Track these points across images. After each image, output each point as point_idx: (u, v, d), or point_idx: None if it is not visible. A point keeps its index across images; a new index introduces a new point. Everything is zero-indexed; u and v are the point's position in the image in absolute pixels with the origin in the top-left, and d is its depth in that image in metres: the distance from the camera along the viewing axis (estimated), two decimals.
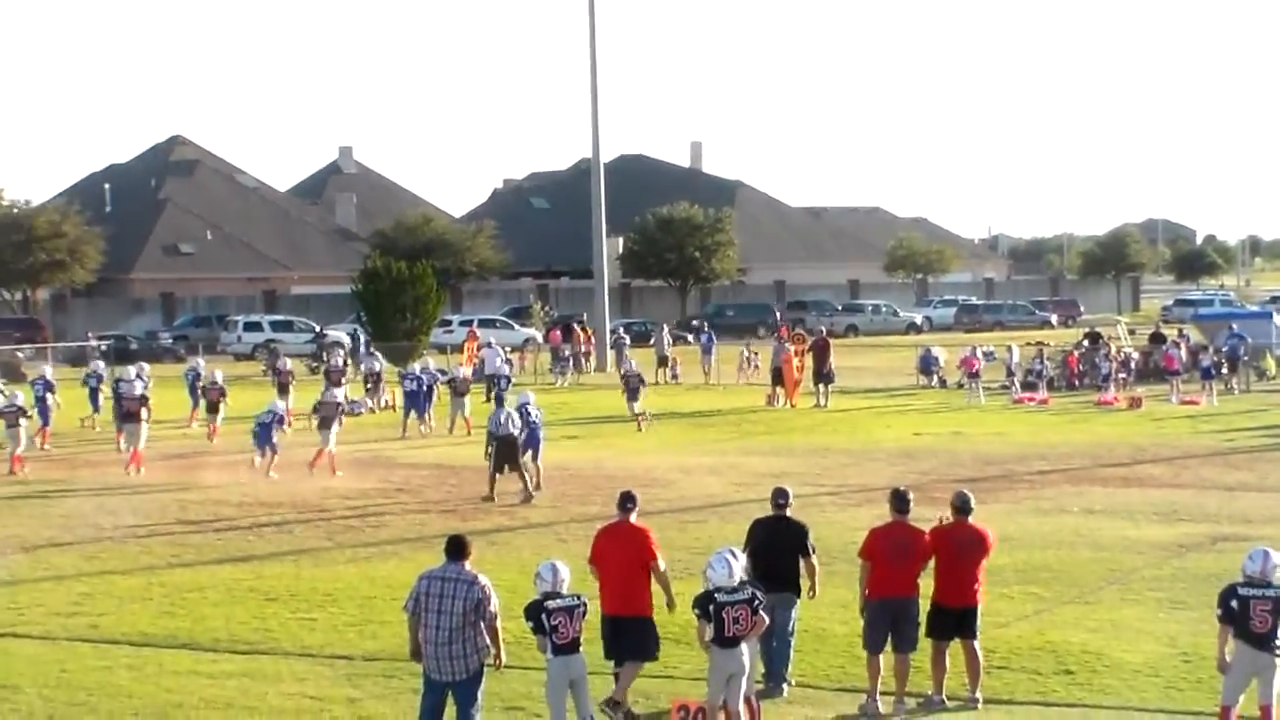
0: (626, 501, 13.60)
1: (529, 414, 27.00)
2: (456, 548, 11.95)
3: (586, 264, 65.57)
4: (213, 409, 35.16)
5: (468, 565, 11.87)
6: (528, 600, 12.16)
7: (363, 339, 53.80)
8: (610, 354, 57.13)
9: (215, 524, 23.56)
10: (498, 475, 25.56)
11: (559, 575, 11.97)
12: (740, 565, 12.38)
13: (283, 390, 38.69)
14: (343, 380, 40.31)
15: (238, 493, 26.61)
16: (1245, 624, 11.90)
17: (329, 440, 28.69)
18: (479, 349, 48.25)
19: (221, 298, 79.65)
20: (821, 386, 42.24)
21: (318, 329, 67.88)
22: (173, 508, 25.06)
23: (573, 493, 26.06)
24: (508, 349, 50.18)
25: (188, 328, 73.03)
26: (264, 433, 28.80)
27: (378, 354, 46.10)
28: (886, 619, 13.42)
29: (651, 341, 57.74)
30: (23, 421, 30.87)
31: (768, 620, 12.40)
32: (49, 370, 38.93)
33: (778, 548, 13.64)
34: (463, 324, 66.46)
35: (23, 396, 32.37)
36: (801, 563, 13.83)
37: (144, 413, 31.15)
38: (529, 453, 26.47)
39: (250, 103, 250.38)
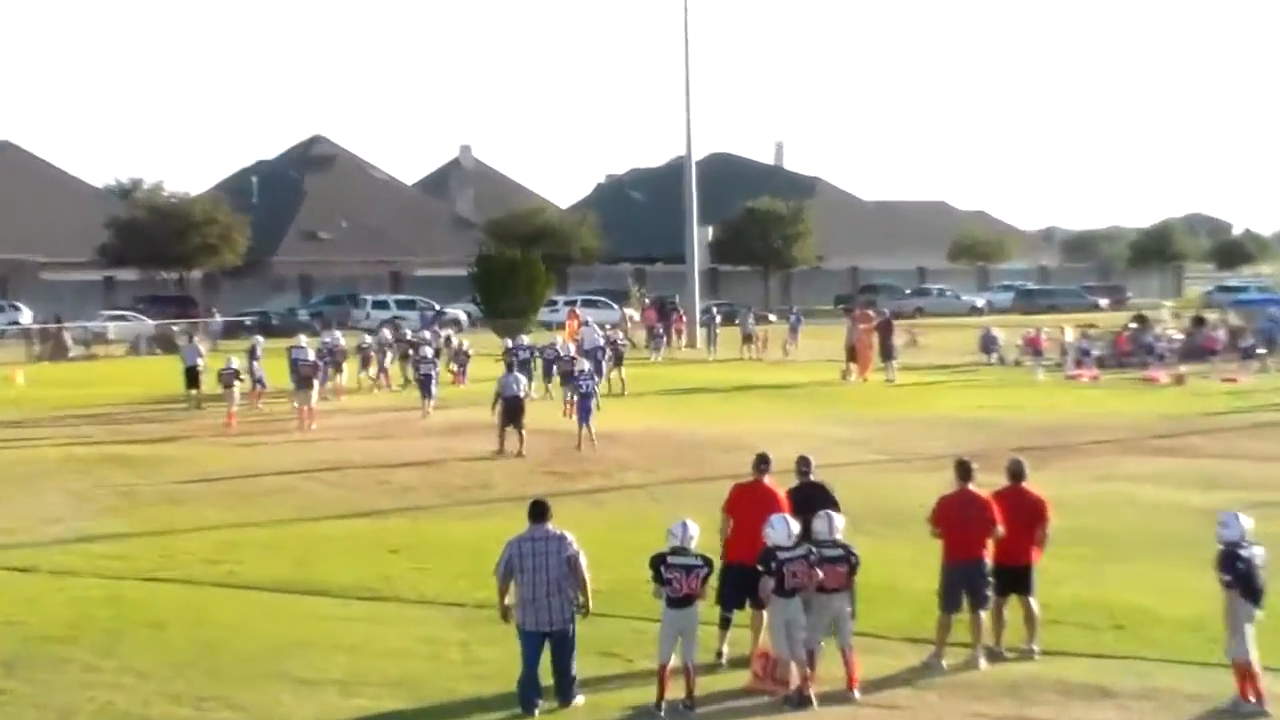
0: (761, 463, 13.67)
1: (581, 379, 27.59)
2: (540, 510, 11.94)
3: (679, 251, 65.33)
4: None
5: (551, 525, 11.81)
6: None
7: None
8: (700, 332, 57.03)
9: (344, 482, 23.64)
10: (506, 430, 25.97)
11: (688, 533, 11.85)
12: (796, 526, 12.23)
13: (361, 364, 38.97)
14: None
15: (364, 452, 26.76)
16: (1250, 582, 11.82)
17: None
18: (579, 327, 48.09)
19: (353, 278, 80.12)
20: (889, 362, 41.93)
21: (437, 307, 68.21)
22: (309, 465, 25.17)
23: (665, 455, 25.92)
24: (608, 326, 50.09)
25: (323, 305, 73.65)
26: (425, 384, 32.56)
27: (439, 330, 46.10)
28: (961, 581, 13.13)
29: (737, 320, 57.65)
30: (236, 383, 31.92)
31: (821, 575, 12.24)
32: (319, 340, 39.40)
33: (812, 509, 13.23)
34: (566, 304, 66.46)
35: (237, 361, 33.10)
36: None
37: (316, 378, 31.59)
38: (584, 420, 26.82)
39: (381, 104, 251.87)
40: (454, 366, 39.63)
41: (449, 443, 27.86)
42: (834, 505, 13.56)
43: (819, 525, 12.46)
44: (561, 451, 26.48)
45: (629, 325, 56.87)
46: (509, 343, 38.91)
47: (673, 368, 47.39)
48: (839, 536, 12.50)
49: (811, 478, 14.09)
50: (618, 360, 38.36)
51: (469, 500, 21.74)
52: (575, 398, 27.85)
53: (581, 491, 21.81)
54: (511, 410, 26.26)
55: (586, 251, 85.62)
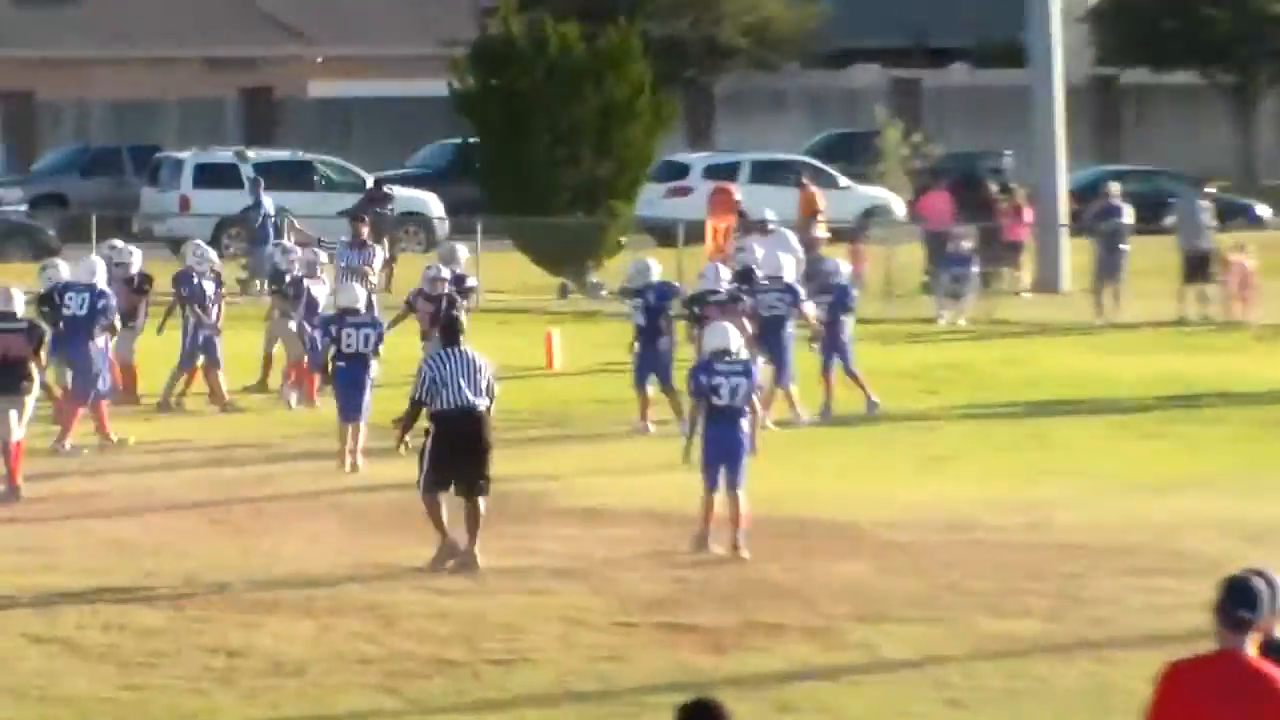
0: (1239, 604, 13.29)
1: (721, 369, 28.25)
2: None
3: (1008, 33, 65.62)
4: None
5: None
6: None
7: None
8: (1067, 245, 57.41)
9: (122, 650, 23.58)
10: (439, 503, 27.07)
11: None
12: None
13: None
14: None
15: (180, 560, 27.14)
16: None
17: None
18: (728, 235, 47.89)
19: (147, 104, 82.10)
20: None
21: (370, 181, 68.45)
22: (24, 587, 25.43)
23: (979, 575, 26.01)
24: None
25: (64, 175, 74.88)
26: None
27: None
28: None
29: (1172, 222, 58.15)
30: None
31: None
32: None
33: None
34: (708, 175, 66.81)
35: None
36: None
37: (34, 365, 32.80)
38: (732, 477, 27.64)
39: None
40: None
41: (398, 541, 28.29)
42: None
43: None
44: (686, 568, 26.86)
45: (812, 235, 55.85)
46: (444, 273, 39.20)
47: (998, 345, 48.87)
48: None
49: (1248, 639, 13.81)
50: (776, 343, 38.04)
51: (466, 702, 21.64)
52: (702, 417, 28.32)
53: (755, 677, 22.00)
54: (462, 447, 27.20)
55: (765, 33, 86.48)
